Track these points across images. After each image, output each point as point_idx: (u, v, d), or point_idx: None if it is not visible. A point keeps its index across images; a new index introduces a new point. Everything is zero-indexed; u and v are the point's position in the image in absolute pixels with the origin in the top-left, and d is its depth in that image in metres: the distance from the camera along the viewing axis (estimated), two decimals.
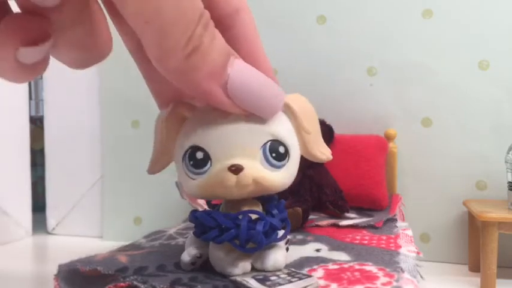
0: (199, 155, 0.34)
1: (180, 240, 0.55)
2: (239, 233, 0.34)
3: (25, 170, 1.11)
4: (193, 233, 0.38)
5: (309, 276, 0.36)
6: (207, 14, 0.24)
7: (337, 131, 0.85)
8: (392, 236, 0.59)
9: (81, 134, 1.14)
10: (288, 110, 0.36)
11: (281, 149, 0.34)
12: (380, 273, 0.40)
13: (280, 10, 0.99)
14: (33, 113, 1.26)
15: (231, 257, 0.36)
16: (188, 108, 0.35)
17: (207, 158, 0.34)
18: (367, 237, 0.58)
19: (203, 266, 0.39)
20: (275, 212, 0.37)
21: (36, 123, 1.27)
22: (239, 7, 0.30)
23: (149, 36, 0.23)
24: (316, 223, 0.65)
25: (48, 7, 0.20)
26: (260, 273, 0.36)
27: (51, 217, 1.16)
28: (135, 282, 0.37)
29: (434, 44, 0.91)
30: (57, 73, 1.16)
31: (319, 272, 0.40)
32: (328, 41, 0.97)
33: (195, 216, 0.37)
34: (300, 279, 0.35)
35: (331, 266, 0.41)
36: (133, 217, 1.09)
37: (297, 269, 0.38)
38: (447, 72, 0.91)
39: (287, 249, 0.41)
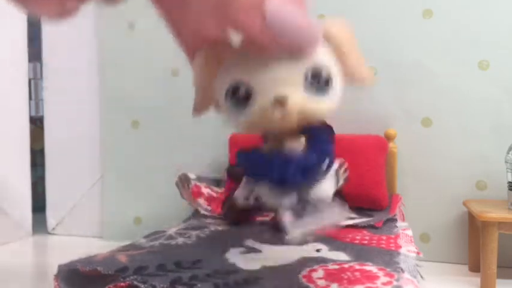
0: (242, 91, 0.34)
1: (180, 240, 0.55)
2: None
3: (25, 170, 1.11)
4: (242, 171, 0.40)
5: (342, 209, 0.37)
6: None
7: (337, 131, 0.84)
8: (392, 236, 0.59)
9: (81, 134, 1.14)
10: (326, 34, 0.36)
11: (324, 74, 0.35)
12: (380, 273, 0.40)
13: None
14: (33, 113, 1.26)
15: (276, 192, 0.37)
16: (225, 48, 0.35)
17: (249, 92, 0.34)
18: (367, 237, 0.58)
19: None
20: (315, 147, 0.37)
21: (36, 123, 1.27)
22: None
23: None
24: None
25: None
26: (303, 204, 0.37)
27: (51, 217, 1.16)
28: (135, 282, 0.38)
29: (434, 44, 0.91)
30: (57, 73, 1.16)
31: (319, 272, 0.40)
32: None
33: (239, 155, 0.38)
34: (331, 213, 0.35)
35: (331, 266, 0.41)
36: (134, 217, 1.09)
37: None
38: (447, 72, 0.91)
39: (346, 178, 0.43)
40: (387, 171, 0.89)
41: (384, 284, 0.37)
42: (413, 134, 0.93)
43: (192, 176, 0.87)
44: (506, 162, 0.79)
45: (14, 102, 1.09)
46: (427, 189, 0.92)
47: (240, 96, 0.34)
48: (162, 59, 1.04)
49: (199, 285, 0.36)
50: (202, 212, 0.78)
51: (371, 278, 0.39)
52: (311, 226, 0.34)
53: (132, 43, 1.07)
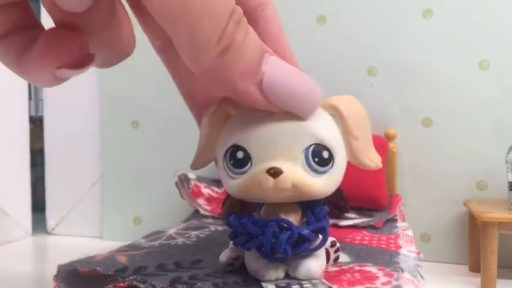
0: (240, 154, 0.33)
1: (180, 240, 0.55)
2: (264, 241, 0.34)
3: (25, 170, 1.11)
4: (228, 235, 0.38)
5: None
6: (239, 9, 0.23)
7: None
8: (393, 236, 0.59)
9: (81, 134, 1.14)
10: (336, 113, 0.35)
11: (325, 154, 0.33)
12: (380, 273, 0.40)
13: (280, 10, 0.98)
14: (33, 113, 1.26)
15: (263, 262, 0.36)
16: (234, 106, 0.34)
17: (247, 158, 0.33)
18: (367, 238, 0.58)
19: (242, 268, 0.38)
20: (311, 220, 0.35)
21: (36, 123, 1.27)
22: (263, 1, 0.30)
23: (179, 35, 0.22)
24: None
25: (77, 12, 0.20)
26: (289, 281, 0.35)
27: (51, 217, 1.16)
28: (134, 282, 0.37)
29: (434, 44, 0.91)
30: None
31: None
32: (328, 41, 0.97)
33: (228, 219, 0.37)
34: None
35: (330, 268, 0.41)
36: (133, 217, 1.09)
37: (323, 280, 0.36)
38: (447, 72, 0.91)
39: (337, 258, 0.41)
40: (387, 171, 0.89)
41: (383, 284, 0.37)
42: (413, 134, 0.93)
43: (192, 176, 0.87)
44: (506, 162, 0.79)
45: (13, 102, 1.09)
46: (427, 189, 0.92)
47: (237, 160, 0.33)
48: None
49: (199, 284, 0.36)
50: (202, 212, 0.78)
51: (370, 278, 0.38)
52: None
53: None
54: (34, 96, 1.34)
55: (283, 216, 0.35)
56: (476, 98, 0.90)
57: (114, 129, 1.10)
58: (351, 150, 0.36)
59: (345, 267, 0.42)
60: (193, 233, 0.60)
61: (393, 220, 0.70)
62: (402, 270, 0.41)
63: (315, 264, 0.36)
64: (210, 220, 0.73)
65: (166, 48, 0.32)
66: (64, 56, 0.20)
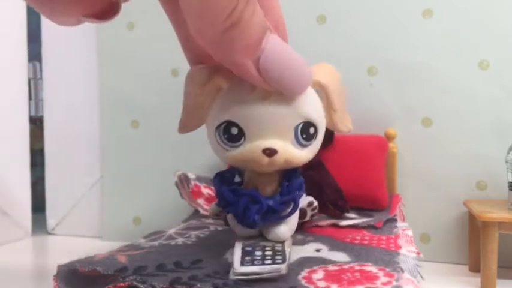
0: (234, 130, 0.35)
1: (180, 240, 0.55)
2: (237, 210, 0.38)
3: (25, 170, 1.11)
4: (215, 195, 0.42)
5: (282, 263, 0.36)
6: None
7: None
8: (393, 236, 0.59)
9: (81, 134, 1.14)
10: (321, 89, 0.38)
11: (311, 130, 0.37)
12: (380, 273, 0.40)
13: None
14: (32, 113, 1.26)
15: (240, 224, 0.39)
16: (225, 78, 0.35)
17: (241, 134, 0.36)
18: (367, 238, 0.58)
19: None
20: (284, 192, 0.38)
21: (36, 123, 1.26)
22: None
23: (191, 6, 0.23)
24: (316, 223, 0.65)
25: None
26: (254, 241, 0.39)
27: (51, 217, 1.16)
28: (134, 282, 0.37)
29: (434, 44, 0.91)
30: (57, 73, 1.16)
31: (319, 274, 0.40)
32: (328, 41, 0.97)
33: (214, 185, 0.41)
34: (273, 263, 0.36)
35: (331, 267, 0.41)
36: (133, 217, 1.09)
37: (295, 265, 0.40)
38: (447, 72, 0.91)
39: (313, 215, 0.46)
40: (387, 171, 0.89)
41: (383, 284, 0.37)
42: (413, 134, 0.93)
43: (191, 176, 0.87)
44: (506, 162, 0.79)
45: (13, 102, 1.09)
46: (427, 189, 0.92)
47: (232, 135, 0.36)
48: (162, 59, 1.04)
49: (198, 285, 0.36)
50: (202, 212, 0.78)
51: (371, 278, 0.38)
52: (254, 270, 0.35)
53: (132, 43, 1.07)
54: (34, 96, 1.34)
55: (260, 185, 0.39)
56: (476, 98, 0.90)
57: (114, 129, 1.10)
58: (330, 121, 0.39)
59: (345, 267, 0.42)
60: (193, 233, 0.60)
61: (393, 220, 0.70)
62: (402, 270, 0.41)
63: (284, 229, 0.39)
64: (210, 220, 0.73)
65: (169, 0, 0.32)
66: (88, 5, 0.20)
